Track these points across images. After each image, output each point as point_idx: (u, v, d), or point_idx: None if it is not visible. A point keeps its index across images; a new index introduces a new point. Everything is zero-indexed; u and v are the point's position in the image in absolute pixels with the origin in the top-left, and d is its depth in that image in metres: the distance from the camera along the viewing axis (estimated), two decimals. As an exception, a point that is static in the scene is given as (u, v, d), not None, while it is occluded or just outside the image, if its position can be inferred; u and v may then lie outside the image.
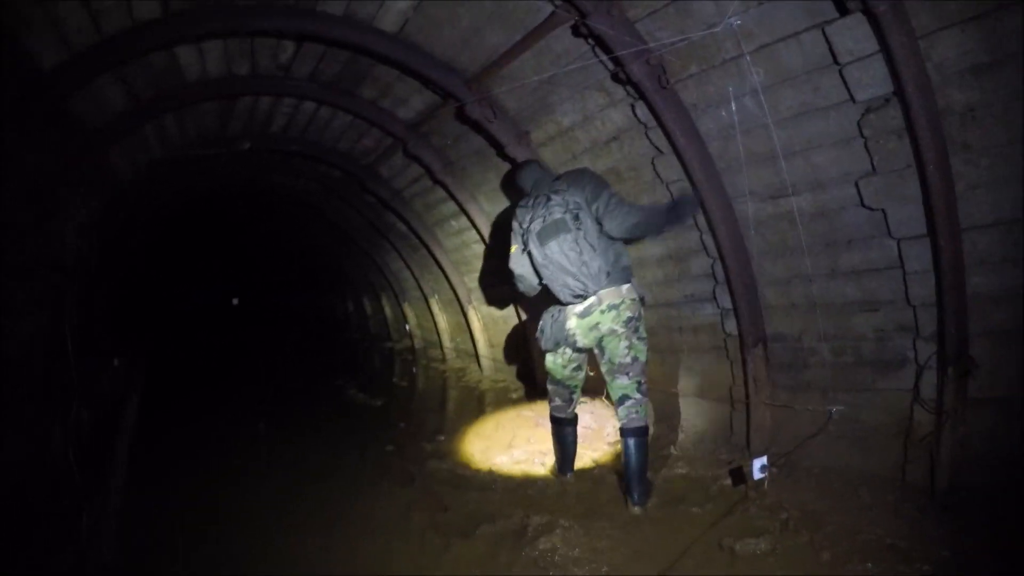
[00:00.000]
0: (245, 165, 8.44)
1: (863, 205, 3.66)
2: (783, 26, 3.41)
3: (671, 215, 3.88)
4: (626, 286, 4.11)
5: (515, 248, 4.35)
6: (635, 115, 4.60)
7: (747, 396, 4.54)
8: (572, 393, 4.58)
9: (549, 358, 4.49)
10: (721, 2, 3.45)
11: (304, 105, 6.59)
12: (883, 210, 3.59)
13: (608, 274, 4.03)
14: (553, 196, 4.15)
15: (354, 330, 14.88)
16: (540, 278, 4.30)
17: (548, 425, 4.83)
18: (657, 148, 4.63)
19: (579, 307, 4.13)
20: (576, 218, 4.03)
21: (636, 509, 4.08)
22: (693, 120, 4.17)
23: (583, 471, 4.90)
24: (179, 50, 4.91)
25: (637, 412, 4.12)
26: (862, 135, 3.49)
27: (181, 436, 8.05)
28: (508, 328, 7.95)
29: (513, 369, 7.95)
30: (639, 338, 4.14)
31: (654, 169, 4.79)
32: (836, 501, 3.74)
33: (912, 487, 3.67)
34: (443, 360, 9.98)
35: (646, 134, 4.63)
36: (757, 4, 3.38)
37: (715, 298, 4.84)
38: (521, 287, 4.45)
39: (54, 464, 6.02)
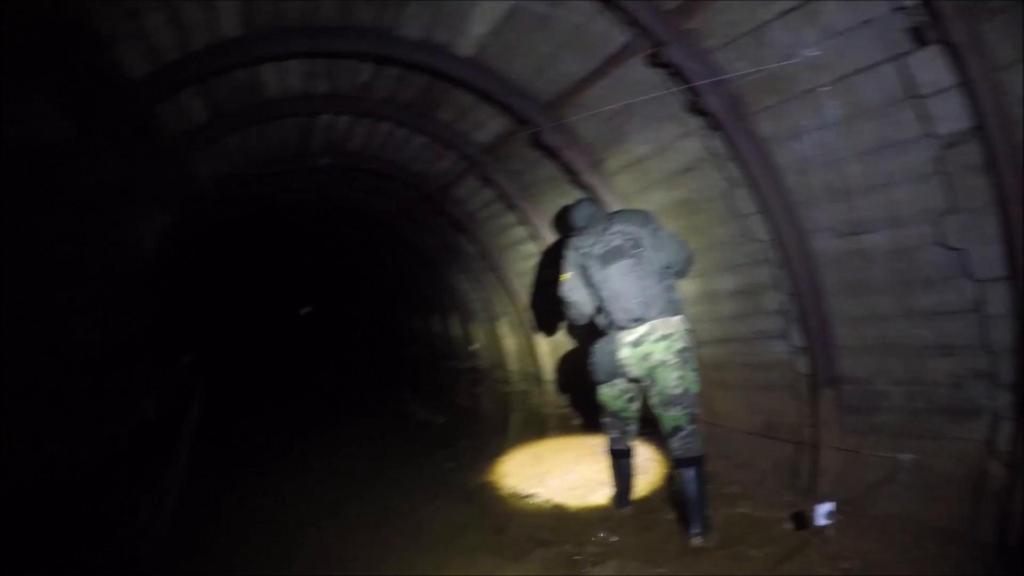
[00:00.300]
0: (321, 180, 8.64)
1: (942, 244, 3.52)
2: (860, 57, 3.34)
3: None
4: (677, 317, 4.16)
5: (568, 275, 4.38)
6: (710, 146, 4.54)
7: (815, 438, 4.39)
8: (628, 425, 4.51)
9: (604, 390, 4.45)
10: (798, 33, 3.39)
11: (381, 125, 6.72)
12: (963, 249, 3.44)
13: (662, 304, 4.10)
14: (611, 227, 4.28)
15: (420, 347, 14.99)
16: (592, 305, 4.34)
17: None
18: (733, 180, 4.56)
19: (631, 336, 4.14)
20: (636, 246, 4.15)
21: (697, 540, 4.01)
22: (769, 152, 4.10)
23: (641, 500, 4.81)
24: (262, 67, 5.08)
25: (692, 442, 4.06)
26: (942, 171, 3.36)
27: (241, 436, 8.28)
28: (571, 354, 7.89)
29: (576, 395, 7.88)
30: (692, 369, 4.13)
31: (729, 202, 4.71)
32: (900, 553, 3.55)
33: (980, 543, 3.44)
34: (507, 382, 9.95)
35: (721, 166, 4.57)
36: (834, 35, 3.31)
37: (787, 335, 4.71)
38: (572, 313, 4.47)
39: (121, 453, 6.26)
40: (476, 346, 11.45)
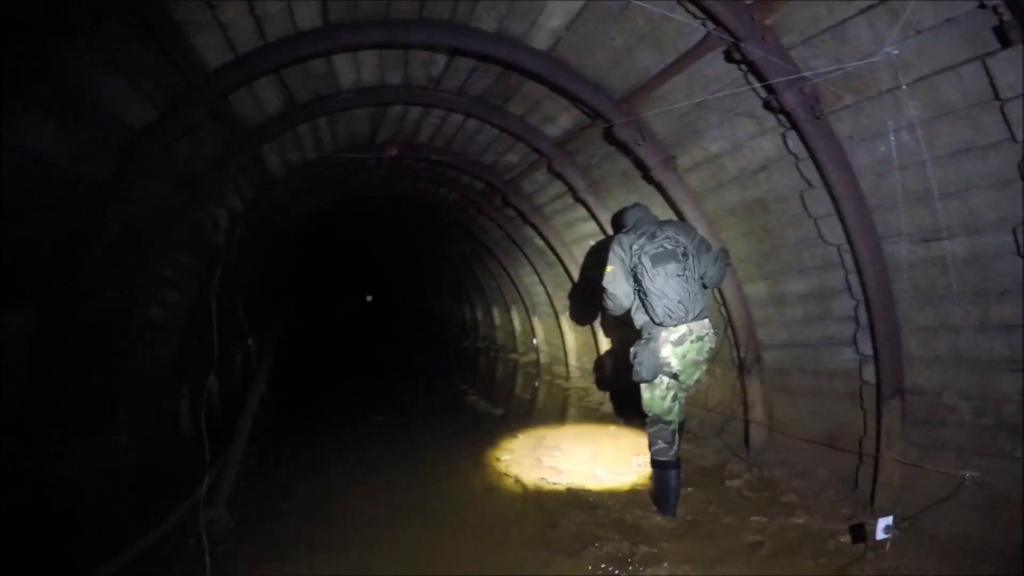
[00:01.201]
0: (390, 170, 8.78)
1: (1020, 254, 3.37)
2: (942, 57, 3.22)
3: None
4: (707, 321, 4.57)
5: (611, 268, 4.56)
6: (786, 145, 4.45)
7: (877, 450, 4.26)
8: (674, 432, 4.63)
9: (647, 393, 4.63)
10: (878, 31, 3.29)
11: (452, 117, 6.81)
12: (1041, 261, 3.30)
13: (699, 308, 4.47)
14: (659, 232, 4.54)
15: (480, 338, 15.07)
16: (630, 299, 4.57)
17: None
18: (807, 181, 4.47)
19: (674, 335, 4.46)
20: (684, 255, 4.46)
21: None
22: (846, 153, 3.99)
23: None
24: (336, 57, 5.19)
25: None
26: (1023, 178, 3.22)
27: (300, 416, 8.56)
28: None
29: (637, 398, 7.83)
30: (706, 365, 4.68)
31: (802, 202, 4.61)
32: (957, 573, 3.44)
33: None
34: (567, 378, 9.95)
35: (796, 165, 4.48)
36: (915, 34, 3.20)
37: (855, 343, 4.59)
38: (611, 304, 4.62)
39: (187, 426, 6.52)
40: (537, 339, 11.47)
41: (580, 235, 7.94)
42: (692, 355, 4.49)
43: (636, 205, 5.02)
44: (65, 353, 4.39)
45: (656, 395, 4.57)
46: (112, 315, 5.19)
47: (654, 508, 4.79)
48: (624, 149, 5.63)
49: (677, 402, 4.60)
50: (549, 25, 4.67)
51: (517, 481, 5.65)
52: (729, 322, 5.69)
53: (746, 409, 5.65)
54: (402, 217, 13.17)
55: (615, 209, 6.81)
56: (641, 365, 4.50)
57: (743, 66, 4.09)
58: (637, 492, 5.22)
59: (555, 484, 5.50)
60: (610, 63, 4.89)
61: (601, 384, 8.65)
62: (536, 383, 10.60)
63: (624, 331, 7.70)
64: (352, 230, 14.57)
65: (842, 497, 4.51)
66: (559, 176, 6.94)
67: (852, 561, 3.74)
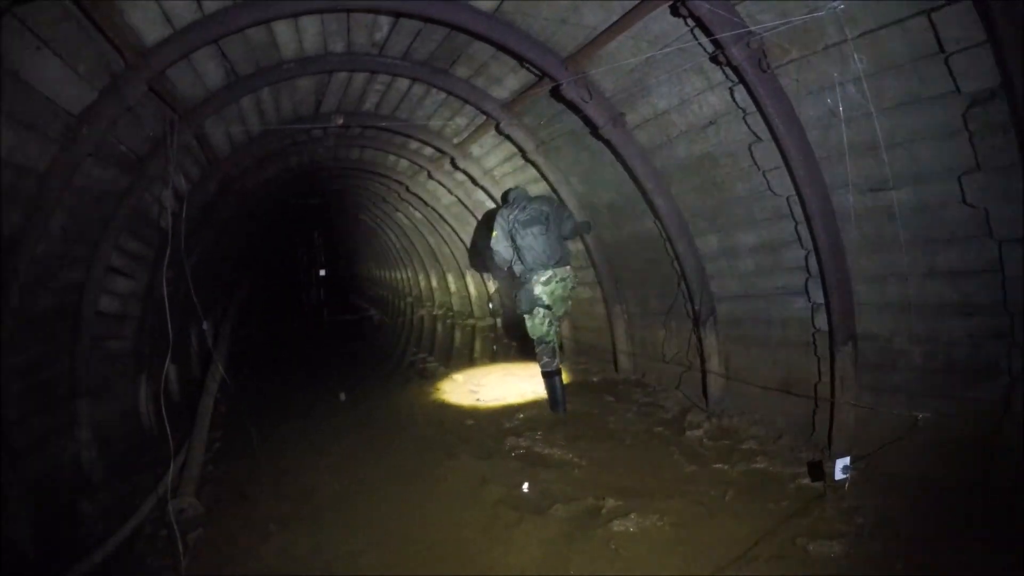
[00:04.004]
0: (337, 140, 8.66)
1: (965, 202, 3.46)
2: (888, 11, 3.26)
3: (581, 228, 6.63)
4: (568, 267, 6.30)
5: (496, 233, 6.24)
6: (734, 99, 4.49)
7: (832, 395, 4.39)
8: (554, 349, 6.35)
9: (529, 322, 6.32)
10: (825, -16, 3.32)
11: (397, 83, 6.70)
12: (985, 208, 3.40)
13: (559, 257, 6.16)
14: (528, 205, 6.20)
15: (436, 305, 15.04)
16: (510, 255, 6.24)
17: (635, 410, 6.05)
18: (755, 134, 4.51)
19: (543, 278, 6.13)
20: (546, 219, 6.12)
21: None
22: (793, 106, 4.03)
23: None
24: (277, 26, 5.03)
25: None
26: (967, 128, 3.30)
27: (262, 396, 8.49)
28: (593, 311, 7.92)
29: (595, 353, 7.93)
30: (571, 299, 6.48)
31: (751, 156, 4.66)
32: (913, 509, 3.59)
33: (992, 502, 3.44)
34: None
35: (744, 119, 4.52)
36: (861, -13, 3.23)
37: (807, 292, 4.70)
38: (496, 260, 6.38)
39: (146, 416, 6.43)
40: (494, 304, 11.59)
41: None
42: (559, 292, 6.21)
43: (514, 188, 6.66)
44: (16, 349, 4.29)
45: (536, 322, 6.26)
46: (62, 308, 5.06)
47: (551, 409, 6.36)
48: (573, 108, 5.59)
49: (552, 326, 6.29)
50: (494, -16, 4.61)
51: (481, 439, 5.83)
52: (682, 276, 5.77)
53: (703, 360, 5.76)
54: (353, 188, 13.00)
55: (565, 168, 6.85)
56: (521, 301, 6.25)
57: (690, 21, 4.07)
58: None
59: (518, 443, 5.61)
60: (556, 21, 4.83)
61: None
62: (494, 347, 10.63)
63: (584, 291, 7.82)
64: (303, 204, 14.31)
65: (800, 442, 4.65)
66: (508, 138, 6.90)
67: (812, 501, 3.87)
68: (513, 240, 6.14)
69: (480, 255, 11.08)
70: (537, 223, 6.06)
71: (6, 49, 3.34)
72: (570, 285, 6.29)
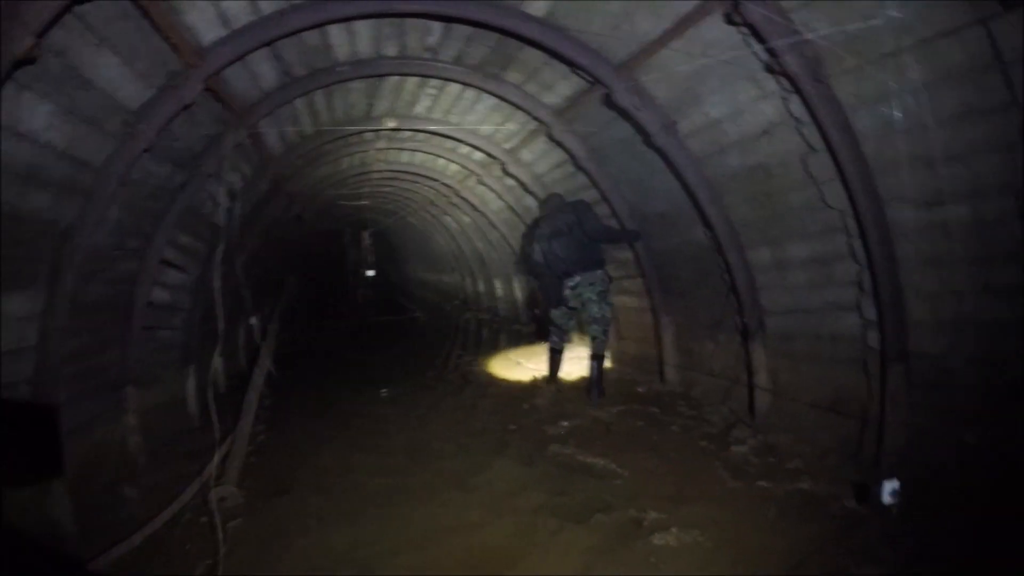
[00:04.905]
0: (388, 143, 8.76)
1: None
2: (944, 20, 3.17)
3: (617, 236, 7.11)
4: (600, 272, 6.97)
5: (532, 246, 7.13)
6: (787, 109, 4.41)
7: (881, 415, 4.26)
8: (564, 333, 7.55)
9: (554, 313, 7.36)
10: (880, -7, 3.24)
11: (449, 87, 6.77)
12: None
13: (586, 263, 6.88)
14: (557, 216, 6.94)
15: (482, 310, 15.04)
16: (542, 262, 7.04)
17: (679, 423, 5.96)
18: (809, 145, 4.43)
19: (571, 283, 6.97)
20: (569, 229, 6.80)
21: (595, 401, 6.83)
22: (848, 117, 3.94)
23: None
24: (331, 29, 5.13)
25: (600, 347, 7.04)
26: (1027, 141, 3.18)
27: (307, 392, 8.58)
28: (640, 321, 7.84)
29: (641, 363, 7.85)
30: (607, 303, 7.06)
31: (805, 167, 4.58)
32: (964, 538, 3.42)
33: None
34: (571, 347, 9.97)
35: (798, 130, 4.44)
36: (918, -5, 3.15)
37: (859, 308, 4.58)
38: (527, 264, 7.51)
39: (192, 406, 6.57)
40: (540, 309, 11.61)
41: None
42: (586, 294, 6.97)
43: (554, 194, 7.48)
44: (69, 335, 4.42)
45: (557, 314, 7.35)
46: (115, 297, 5.22)
47: (548, 381, 7.71)
48: (624, 115, 5.57)
49: (572, 320, 7.51)
50: (546, -11, 4.63)
51: (522, 445, 5.72)
52: (733, 288, 5.68)
53: (750, 375, 5.66)
54: (402, 190, 13.12)
55: (616, 176, 6.82)
56: (549, 297, 7.23)
57: (743, 29, 4.04)
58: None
59: (561, 450, 5.54)
60: (609, 28, 4.82)
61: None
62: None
63: (630, 299, 7.79)
64: (353, 205, 14.48)
65: (846, 462, 4.51)
66: (559, 144, 6.89)
67: (859, 524, 3.76)
68: (544, 251, 6.96)
69: (524, 260, 11.24)
70: (561, 235, 6.82)
71: (67, 46, 3.45)
72: (599, 288, 6.92)
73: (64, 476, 4.17)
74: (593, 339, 7.06)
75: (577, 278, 6.89)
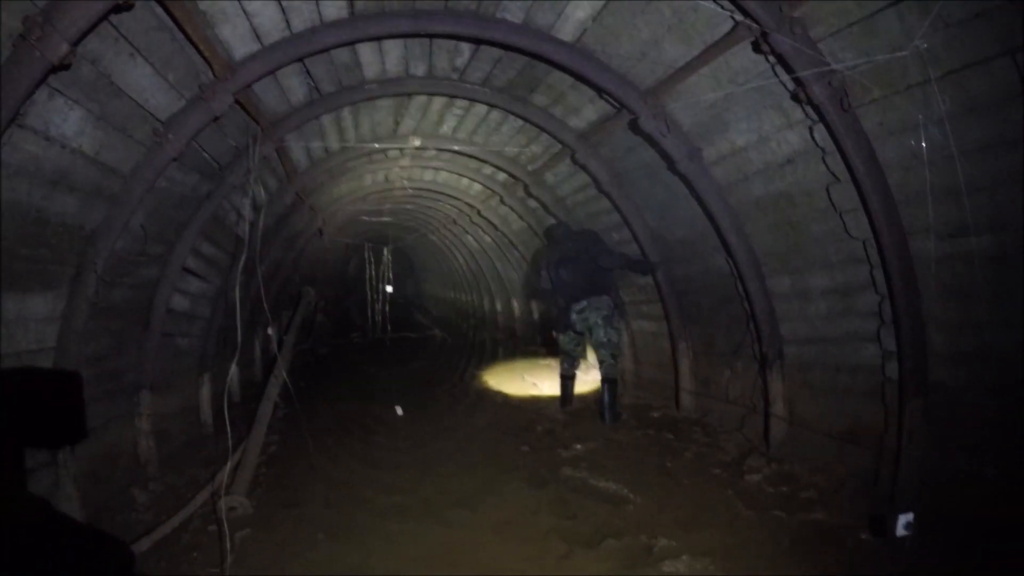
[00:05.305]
0: (412, 161, 8.82)
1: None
2: (972, 51, 3.17)
3: (635, 265, 7.11)
4: (605, 297, 7.21)
5: (541, 273, 7.53)
6: (813, 138, 4.41)
7: (899, 447, 4.21)
8: (575, 360, 7.84)
9: (561, 338, 7.68)
10: (908, 24, 3.24)
11: (475, 107, 6.86)
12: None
13: (593, 290, 7.16)
14: (566, 243, 7.28)
15: (499, 329, 15.02)
16: (551, 288, 7.44)
17: (694, 450, 5.91)
18: (834, 175, 4.42)
19: (577, 307, 7.23)
20: (577, 256, 7.12)
21: (607, 424, 6.95)
22: (873, 147, 3.93)
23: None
24: (361, 47, 5.21)
25: (611, 370, 7.13)
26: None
27: (321, 405, 8.61)
28: (658, 346, 7.81)
29: (657, 388, 7.81)
30: (613, 328, 7.23)
31: (828, 196, 4.57)
32: (981, 573, 3.40)
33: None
34: (587, 370, 9.95)
35: (823, 159, 4.43)
36: (944, 27, 3.15)
37: (879, 339, 4.54)
38: (532, 289, 8.10)
39: (206, 414, 6.61)
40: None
41: (603, 226, 7.89)
42: (592, 319, 7.18)
43: (561, 223, 7.82)
44: (88, 337, 4.47)
45: (564, 339, 7.65)
46: (135, 303, 5.28)
47: (560, 406, 7.86)
48: (650, 141, 5.60)
49: (580, 346, 7.74)
50: (575, 16, 4.66)
51: (535, 468, 5.69)
52: (752, 316, 5.65)
53: (767, 404, 5.61)
54: (424, 208, 13.19)
55: (639, 202, 6.82)
56: (557, 323, 7.58)
57: (771, 58, 4.05)
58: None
59: (574, 474, 5.51)
60: (636, 54, 4.86)
61: (623, 378, 8.64)
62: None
63: (648, 324, 7.77)
64: (375, 221, 14.58)
65: (861, 494, 4.46)
66: (583, 167, 6.91)
67: (871, 557, 3.72)
68: (552, 278, 7.33)
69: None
70: (569, 261, 7.16)
71: (101, 54, 3.52)
72: (604, 312, 7.14)
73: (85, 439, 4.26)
74: (602, 363, 7.18)
75: (583, 303, 7.18)
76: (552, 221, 8.30)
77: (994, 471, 3.62)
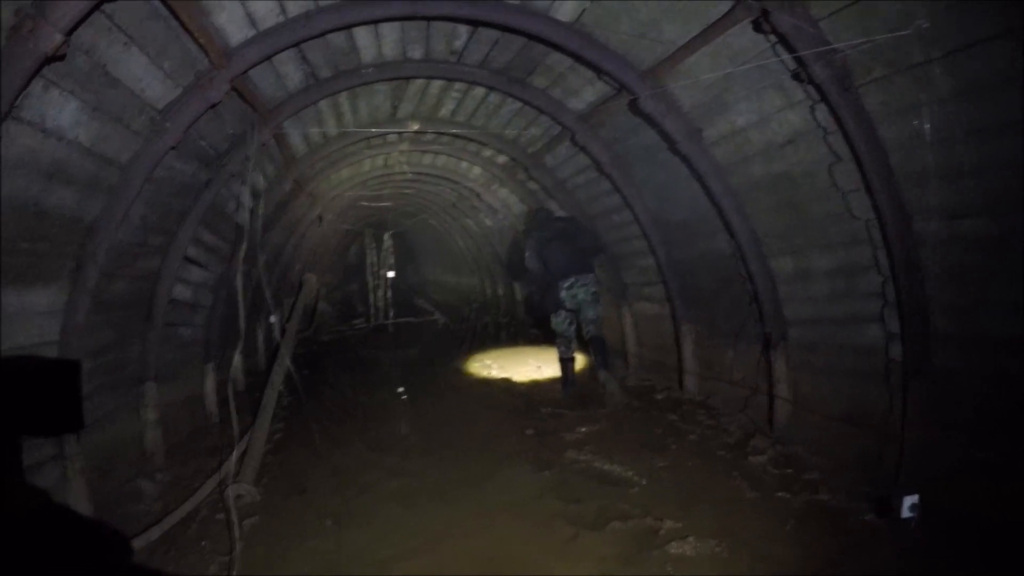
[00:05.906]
0: (412, 145, 8.80)
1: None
2: (973, 31, 3.13)
3: (604, 247, 7.96)
4: (592, 275, 7.56)
5: (528, 253, 7.65)
6: (814, 118, 4.37)
7: (902, 429, 4.20)
8: (571, 341, 7.83)
9: (553, 320, 7.76)
10: (909, 4, 3.20)
11: (474, 90, 6.81)
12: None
13: (580, 267, 7.49)
14: (553, 224, 7.74)
15: (501, 313, 15.00)
16: (540, 267, 7.57)
17: (698, 432, 5.90)
18: (836, 154, 4.39)
19: (566, 284, 7.47)
20: (567, 235, 7.56)
21: (601, 375, 7.51)
22: (874, 127, 3.90)
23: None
24: (357, 31, 5.16)
25: (596, 330, 7.53)
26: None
27: (325, 392, 8.63)
28: (660, 328, 7.79)
29: (661, 370, 7.80)
30: (600, 304, 7.61)
31: (831, 176, 4.53)
32: (982, 554, 3.40)
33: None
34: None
35: (824, 139, 4.40)
36: (945, 6, 3.11)
37: (882, 320, 4.53)
38: (530, 272, 7.77)
39: (211, 403, 6.62)
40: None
41: (603, 209, 7.88)
42: (580, 295, 7.49)
43: (542, 208, 8.40)
44: (90, 330, 4.46)
45: (558, 320, 7.72)
46: (137, 294, 5.27)
47: (563, 388, 7.85)
48: (650, 122, 5.56)
49: (572, 325, 7.71)
50: (575, -6, 4.62)
51: (540, 451, 5.70)
52: (754, 297, 5.64)
53: (771, 385, 5.60)
54: (424, 192, 13.15)
55: (639, 183, 6.78)
56: (548, 303, 7.65)
57: (772, 37, 4.01)
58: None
59: (578, 457, 5.53)
60: (636, 35, 4.81)
61: (626, 360, 8.66)
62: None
63: (650, 306, 7.77)
64: (374, 206, 14.54)
65: (865, 476, 4.46)
66: (583, 149, 6.89)
67: (876, 538, 3.74)
68: (542, 255, 7.53)
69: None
70: (558, 239, 7.52)
71: (95, 44, 3.49)
72: (592, 289, 7.51)
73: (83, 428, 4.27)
74: (588, 332, 7.58)
75: (572, 279, 7.46)
76: (546, 207, 8.50)
77: (996, 454, 3.61)
